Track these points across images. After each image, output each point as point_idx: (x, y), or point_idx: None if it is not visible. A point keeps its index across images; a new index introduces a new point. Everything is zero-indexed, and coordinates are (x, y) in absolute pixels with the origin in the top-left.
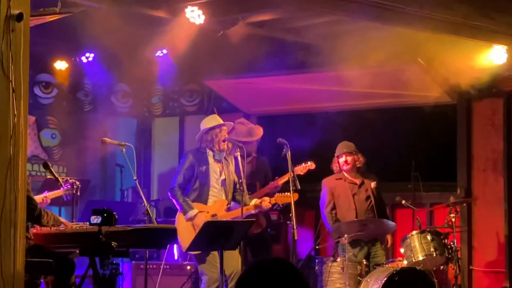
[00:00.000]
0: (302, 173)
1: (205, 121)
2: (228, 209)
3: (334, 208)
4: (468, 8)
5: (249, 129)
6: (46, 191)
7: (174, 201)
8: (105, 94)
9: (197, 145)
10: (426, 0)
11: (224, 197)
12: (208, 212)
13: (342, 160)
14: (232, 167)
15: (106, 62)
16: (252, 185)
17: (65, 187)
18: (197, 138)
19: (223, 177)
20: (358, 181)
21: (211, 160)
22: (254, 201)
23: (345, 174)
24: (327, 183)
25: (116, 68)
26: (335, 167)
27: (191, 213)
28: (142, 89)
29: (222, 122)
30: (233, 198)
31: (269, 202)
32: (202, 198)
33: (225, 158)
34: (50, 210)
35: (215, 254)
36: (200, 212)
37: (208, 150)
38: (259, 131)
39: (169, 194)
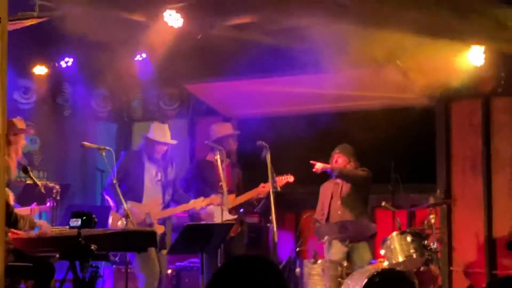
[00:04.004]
0: (280, 186)
1: (154, 127)
2: (163, 208)
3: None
4: (446, 10)
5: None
6: (34, 204)
7: (108, 198)
8: (84, 99)
9: (139, 145)
10: (403, 2)
11: (160, 197)
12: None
13: (333, 160)
14: (170, 169)
15: (85, 66)
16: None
17: (51, 205)
18: (142, 136)
19: (158, 177)
20: (340, 181)
21: (146, 162)
22: (192, 201)
23: None
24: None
25: (95, 73)
26: None
27: (124, 207)
28: (122, 94)
29: (167, 139)
30: (173, 199)
31: (202, 202)
32: (136, 197)
33: (163, 160)
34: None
35: (153, 249)
36: (133, 207)
37: (144, 153)
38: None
39: (103, 193)
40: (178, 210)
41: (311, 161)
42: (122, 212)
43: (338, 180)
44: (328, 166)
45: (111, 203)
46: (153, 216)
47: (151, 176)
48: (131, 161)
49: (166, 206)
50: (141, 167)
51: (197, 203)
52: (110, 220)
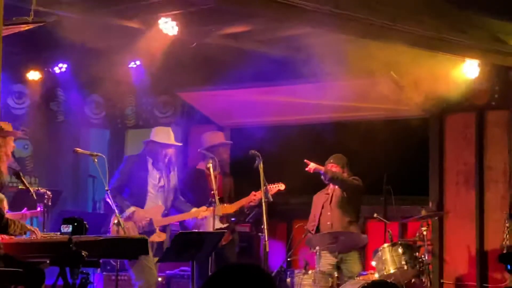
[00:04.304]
0: (271, 194)
1: (157, 130)
2: (165, 216)
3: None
4: (440, 22)
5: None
6: (25, 209)
7: (111, 202)
8: (78, 105)
9: (141, 151)
10: (399, 13)
11: (161, 203)
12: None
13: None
14: (173, 175)
15: (79, 72)
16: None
17: (41, 210)
18: (144, 142)
19: (161, 183)
20: (330, 191)
21: (150, 166)
22: (194, 210)
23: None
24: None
25: (89, 79)
26: None
27: (129, 210)
28: (115, 101)
29: (171, 141)
30: (174, 206)
31: (204, 212)
32: (139, 202)
33: (167, 165)
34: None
35: (150, 256)
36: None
37: (148, 157)
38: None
39: (106, 196)
40: (180, 218)
41: (305, 160)
42: (126, 215)
43: (330, 190)
44: (321, 167)
45: (114, 207)
46: (155, 223)
47: (155, 182)
48: (134, 165)
49: (167, 212)
50: (145, 172)
51: (199, 212)
52: (115, 221)
